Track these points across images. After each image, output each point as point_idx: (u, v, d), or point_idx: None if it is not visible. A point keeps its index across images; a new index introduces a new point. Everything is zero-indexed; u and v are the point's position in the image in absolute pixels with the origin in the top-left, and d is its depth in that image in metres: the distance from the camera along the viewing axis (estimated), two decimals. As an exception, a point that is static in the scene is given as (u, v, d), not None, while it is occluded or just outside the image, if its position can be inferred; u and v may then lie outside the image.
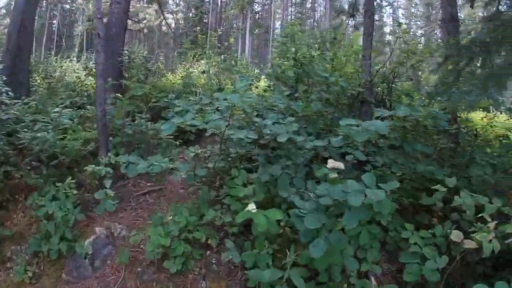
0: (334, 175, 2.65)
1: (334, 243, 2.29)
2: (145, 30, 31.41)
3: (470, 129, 5.06)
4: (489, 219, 3.34)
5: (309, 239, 2.45)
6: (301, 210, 2.55)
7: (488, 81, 3.96)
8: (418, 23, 40.46)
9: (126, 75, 7.96)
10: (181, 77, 8.67)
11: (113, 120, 5.35)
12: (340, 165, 2.68)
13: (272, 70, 7.41)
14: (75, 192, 4.31)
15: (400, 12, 45.66)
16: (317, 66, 5.25)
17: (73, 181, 4.37)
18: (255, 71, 13.64)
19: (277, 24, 44.51)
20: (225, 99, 3.15)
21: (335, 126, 4.21)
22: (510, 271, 3.65)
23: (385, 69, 6.15)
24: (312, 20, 44.15)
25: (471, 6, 6.96)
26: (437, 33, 33.37)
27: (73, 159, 5.07)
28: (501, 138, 5.68)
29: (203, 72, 10.16)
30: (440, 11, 8.18)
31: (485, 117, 7.09)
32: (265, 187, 3.50)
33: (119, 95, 5.76)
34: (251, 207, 2.70)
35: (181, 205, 3.86)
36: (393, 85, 6.08)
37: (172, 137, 5.40)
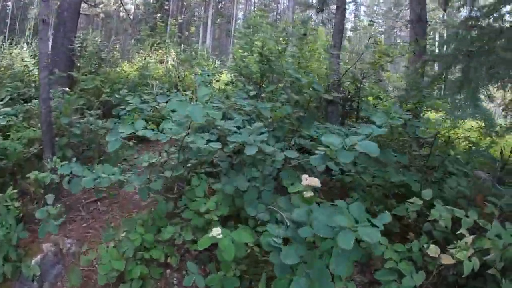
0: (309, 194, 2.31)
1: (315, 279, 1.95)
2: (102, 15, 29.81)
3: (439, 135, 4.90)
4: (466, 234, 3.20)
5: (286, 273, 2.10)
6: (275, 240, 2.18)
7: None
8: (380, 20, 41.18)
9: (79, 65, 7.24)
10: (137, 68, 8.03)
11: (61, 117, 4.73)
12: (316, 181, 2.34)
13: (235, 63, 6.97)
14: (17, 204, 3.68)
15: (363, 9, 46.40)
16: (287, 64, 4.90)
17: (15, 190, 3.75)
18: (216, 63, 13.15)
19: (240, 14, 43.85)
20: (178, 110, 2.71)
21: (302, 128, 3.93)
22: (484, 281, 3.55)
23: (354, 68, 5.90)
24: (275, 12, 43.85)
25: (444, 10, 6.86)
26: (397, 32, 34.13)
27: (16, 163, 4.43)
28: (468, 144, 5.64)
29: (161, 62, 9.58)
30: (404, 11, 8.04)
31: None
32: (229, 198, 3.11)
33: (66, 89, 5.11)
34: (216, 232, 2.29)
35: (135, 218, 3.38)
36: (361, 85, 5.85)
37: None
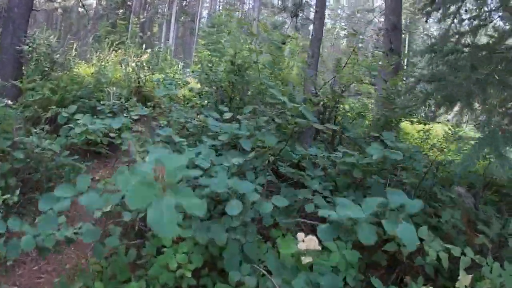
0: (308, 259, 1.85)
1: None
2: (60, 11, 28.05)
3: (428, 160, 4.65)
4: (464, 273, 2.94)
5: None
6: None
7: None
8: (343, 24, 41.57)
9: (27, 70, 6.40)
10: (92, 73, 7.27)
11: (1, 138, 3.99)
12: (315, 243, 1.88)
13: (201, 70, 6.36)
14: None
15: (327, 12, 46.59)
16: (262, 76, 4.43)
17: None
18: (180, 66, 12.49)
19: (205, 13, 42.94)
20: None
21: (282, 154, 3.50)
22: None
23: (332, 81, 5.51)
24: (239, 12, 43.27)
25: (426, 21, 6.63)
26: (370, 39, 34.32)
27: None
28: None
29: (120, 63, 8.81)
30: (377, 18, 7.83)
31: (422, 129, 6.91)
32: (203, 246, 2.59)
33: (8, 101, 4.34)
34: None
35: (93, 268, 2.78)
36: (339, 100, 5.45)
37: (77, 156, 4.22)
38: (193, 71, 7.73)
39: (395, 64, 7.45)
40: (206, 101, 4.75)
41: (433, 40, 6.95)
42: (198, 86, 7.72)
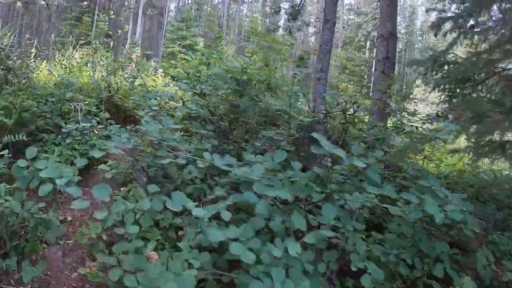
0: None
1: None
2: (19, 3, 25.81)
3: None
4: None
5: None
6: None
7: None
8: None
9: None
10: (55, 84, 6.19)
11: None
12: None
13: (189, 82, 5.45)
14: None
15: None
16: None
17: None
18: (151, 65, 11.49)
19: (173, 6, 41.31)
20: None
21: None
22: None
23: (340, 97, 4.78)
24: (207, 6, 42.01)
25: (435, 35, 6.12)
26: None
27: None
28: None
29: (86, 64, 7.72)
30: (367, 23, 7.28)
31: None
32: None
33: None
34: None
35: None
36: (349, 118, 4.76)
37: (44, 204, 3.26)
38: (174, 78, 6.77)
39: (388, 73, 6.92)
40: (203, 130, 3.86)
41: (430, 52, 6.37)
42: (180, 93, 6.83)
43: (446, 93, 6.00)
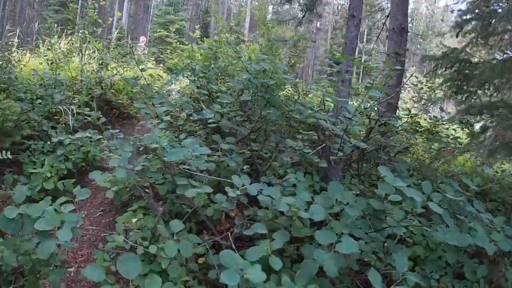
0: None
1: None
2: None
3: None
4: None
5: None
6: None
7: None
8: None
9: None
10: (40, 82, 5.46)
11: None
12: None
13: (193, 79, 4.79)
14: None
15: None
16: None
17: None
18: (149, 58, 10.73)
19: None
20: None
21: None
22: None
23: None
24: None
25: (456, 36, 6.08)
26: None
27: None
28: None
29: (73, 56, 6.97)
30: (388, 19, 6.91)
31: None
32: None
33: None
34: None
35: None
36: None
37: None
38: (171, 70, 6.09)
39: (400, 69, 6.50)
40: (224, 142, 3.24)
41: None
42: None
43: (452, 90, 6.11)
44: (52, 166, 4.16)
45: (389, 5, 7.45)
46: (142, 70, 3.92)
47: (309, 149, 3.67)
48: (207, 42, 7.97)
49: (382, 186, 2.34)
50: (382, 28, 8.97)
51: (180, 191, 2.60)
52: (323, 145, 3.77)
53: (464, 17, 5.84)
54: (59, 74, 6.45)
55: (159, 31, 28.26)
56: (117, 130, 5.09)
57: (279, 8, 36.84)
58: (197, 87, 4.61)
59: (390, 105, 5.86)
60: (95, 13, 7.50)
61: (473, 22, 5.74)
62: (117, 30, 25.48)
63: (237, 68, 6.23)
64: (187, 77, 6.06)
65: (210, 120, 3.22)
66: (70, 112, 4.70)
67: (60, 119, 4.78)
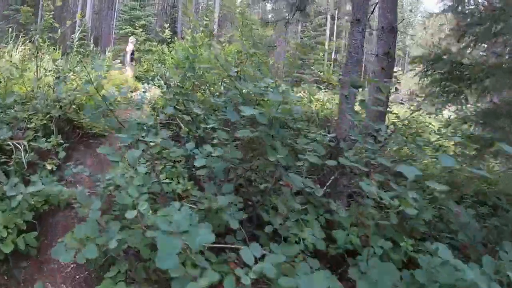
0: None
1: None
2: None
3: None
4: None
5: None
6: None
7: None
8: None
9: None
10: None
11: None
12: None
13: (170, 97, 3.99)
14: None
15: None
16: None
17: None
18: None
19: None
20: None
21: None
22: None
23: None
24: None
25: (458, 41, 6.02)
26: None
27: None
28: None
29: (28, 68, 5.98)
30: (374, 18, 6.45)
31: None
32: None
33: None
34: None
35: None
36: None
37: None
38: (152, 79, 5.22)
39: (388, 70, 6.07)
40: (219, 193, 2.49)
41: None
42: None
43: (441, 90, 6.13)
44: (7, 222, 3.28)
45: (376, 1, 6.87)
46: (97, 87, 2.99)
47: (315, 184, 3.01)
48: (180, 46, 7.12)
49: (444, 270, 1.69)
50: (368, 26, 8.39)
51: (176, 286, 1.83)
52: (332, 178, 3.09)
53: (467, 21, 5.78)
54: (11, 91, 5.49)
55: (125, 28, 26.76)
56: (80, 166, 4.30)
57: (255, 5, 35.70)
58: (175, 108, 3.81)
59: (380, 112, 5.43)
60: (51, 16, 6.49)
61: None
62: (80, 28, 23.86)
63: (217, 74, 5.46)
64: (160, 88, 5.26)
65: (199, 166, 2.45)
66: (22, 148, 3.80)
67: (12, 156, 3.88)
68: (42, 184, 3.66)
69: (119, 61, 11.62)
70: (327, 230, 3.03)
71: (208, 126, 3.50)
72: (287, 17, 6.57)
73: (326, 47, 32.77)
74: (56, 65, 5.42)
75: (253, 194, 3.13)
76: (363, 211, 3.24)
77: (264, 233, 2.91)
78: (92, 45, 13.88)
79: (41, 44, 5.94)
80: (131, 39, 12.02)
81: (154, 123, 3.38)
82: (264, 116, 2.18)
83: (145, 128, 3.44)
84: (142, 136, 2.98)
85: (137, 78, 6.63)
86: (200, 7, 37.70)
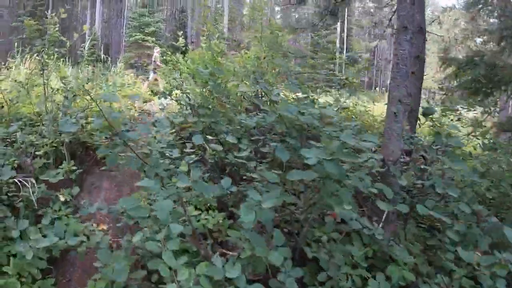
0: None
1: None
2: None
3: None
4: None
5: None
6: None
7: None
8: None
9: None
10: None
11: None
12: None
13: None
14: None
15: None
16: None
17: None
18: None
19: (132, -9, 37.41)
20: None
21: None
22: None
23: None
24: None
25: (498, 44, 6.10)
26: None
27: None
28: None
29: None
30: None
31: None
32: None
33: None
34: None
35: None
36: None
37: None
38: (169, 93, 4.69)
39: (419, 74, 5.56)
40: None
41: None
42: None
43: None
44: (19, 273, 2.81)
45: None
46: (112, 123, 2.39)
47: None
48: (197, 55, 6.58)
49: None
50: (390, 27, 7.78)
51: None
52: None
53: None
54: (17, 112, 5.03)
55: (135, 35, 26.40)
56: (96, 202, 3.79)
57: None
58: (203, 134, 3.27)
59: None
60: (56, 29, 5.98)
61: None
62: (90, 37, 23.50)
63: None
64: (179, 104, 4.75)
65: (247, 220, 1.90)
66: (30, 185, 3.30)
67: (20, 194, 3.38)
68: (53, 222, 3.19)
69: (130, 70, 11.19)
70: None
71: (242, 154, 2.96)
72: (318, 22, 6.00)
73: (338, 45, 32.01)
74: (64, 83, 4.91)
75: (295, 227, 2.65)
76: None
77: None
78: (102, 56, 13.40)
79: (47, 60, 5.44)
80: (156, 48, 11.50)
81: (179, 154, 2.83)
82: (335, 164, 1.61)
83: (169, 156, 2.93)
84: (165, 170, 2.47)
85: (152, 92, 6.09)
86: (210, 11, 37.12)
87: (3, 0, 31.48)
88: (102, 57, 13.88)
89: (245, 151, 2.97)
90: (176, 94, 4.87)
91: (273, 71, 6.10)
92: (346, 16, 32.61)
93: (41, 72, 5.23)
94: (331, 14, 5.88)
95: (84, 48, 12.19)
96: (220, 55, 7.06)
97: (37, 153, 4.24)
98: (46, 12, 19.00)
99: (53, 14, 6.28)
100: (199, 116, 3.46)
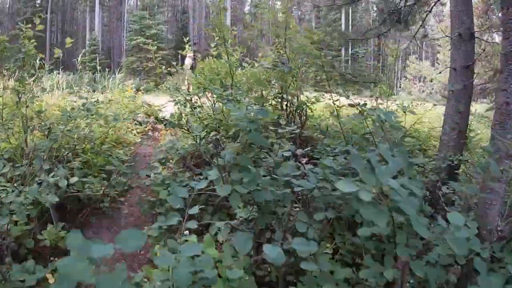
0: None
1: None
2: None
3: None
4: None
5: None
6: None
7: None
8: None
9: None
10: None
11: None
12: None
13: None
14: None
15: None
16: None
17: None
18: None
19: (131, -6, 35.94)
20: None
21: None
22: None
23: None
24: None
25: None
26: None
27: None
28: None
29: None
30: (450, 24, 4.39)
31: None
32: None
33: None
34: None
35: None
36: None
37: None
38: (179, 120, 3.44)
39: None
40: None
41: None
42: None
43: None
44: None
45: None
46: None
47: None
48: (213, 72, 5.33)
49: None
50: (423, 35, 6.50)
51: None
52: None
53: None
54: None
55: (136, 38, 24.97)
56: None
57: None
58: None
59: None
60: (32, 46, 4.60)
61: None
62: (90, 43, 22.16)
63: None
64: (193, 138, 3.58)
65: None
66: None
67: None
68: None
69: (131, 81, 9.86)
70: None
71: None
72: (383, 30, 4.82)
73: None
74: (41, 119, 3.65)
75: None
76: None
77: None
78: (99, 69, 12.08)
79: (20, 87, 4.15)
80: (189, 53, 9.88)
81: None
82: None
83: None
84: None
85: (157, 119, 4.82)
86: (211, 12, 35.57)
87: (3, 7, 30.26)
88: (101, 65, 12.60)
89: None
90: (186, 120, 3.67)
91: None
92: (350, 12, 30.96)
93: (16, 103, 3.97)
94: (399, 22, 4.66)
95: (85, 54, 10.93)
96: (236, 66, 5.83)
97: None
98: (44, 16, 17.72)
99: (28, 26, 4.84)
100: (233, 184, 2.23)
